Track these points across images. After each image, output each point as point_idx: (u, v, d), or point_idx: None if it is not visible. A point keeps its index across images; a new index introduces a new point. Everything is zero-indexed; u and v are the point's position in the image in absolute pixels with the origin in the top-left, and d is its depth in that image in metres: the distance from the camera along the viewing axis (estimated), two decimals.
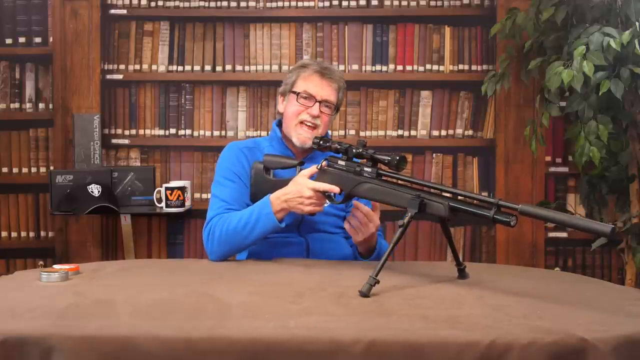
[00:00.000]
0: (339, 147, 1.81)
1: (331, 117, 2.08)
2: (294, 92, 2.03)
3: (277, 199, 1.86)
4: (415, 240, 3.04)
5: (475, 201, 1.57)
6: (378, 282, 1.49)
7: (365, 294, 1.48)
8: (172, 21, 3.05)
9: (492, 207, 1.47)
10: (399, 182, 1.70)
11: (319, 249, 2.02)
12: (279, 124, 2.11)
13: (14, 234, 3.05)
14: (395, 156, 1.68)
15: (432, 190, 1.63)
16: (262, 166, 1.97)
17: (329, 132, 3.01)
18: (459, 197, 1.59)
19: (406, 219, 1.57)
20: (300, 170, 1.91)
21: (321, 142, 1.84)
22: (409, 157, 3.01)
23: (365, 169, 1.74)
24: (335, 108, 2.08)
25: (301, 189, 1.83)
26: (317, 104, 2.01)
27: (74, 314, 1.34)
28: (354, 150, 1.77)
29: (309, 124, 2.01)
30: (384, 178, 1.72)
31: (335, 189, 1.81)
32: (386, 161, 1.70)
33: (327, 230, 2.05)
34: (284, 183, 1.90)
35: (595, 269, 3.01)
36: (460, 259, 1.74)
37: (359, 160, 1.79)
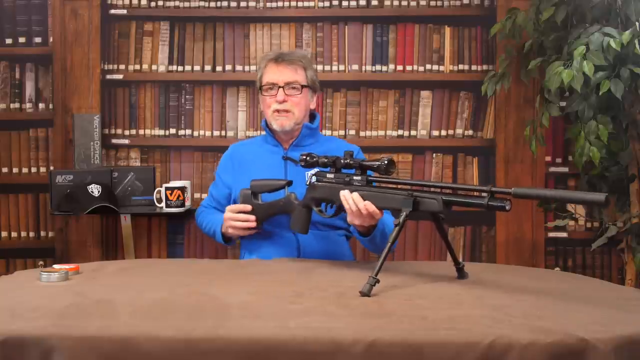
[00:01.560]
0: (326, 160, 1.82)
1: (303, 96, 2.14)
2: (260, 88, 2.16)
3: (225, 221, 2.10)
4: (415, 240, 3.03)
5: (474, 193, 1.58)
6: (378, 281, 1.50)
7: (366, 294, 1.48)
8: (172, 21, 3.05)
9: (486, 195, 1.48)
10: (390, 185, 1.71)
11: (310, 246, 2.03)
12: None
13: (14, 234, 3.05)
14: (383, 160, 1.68)
15: (424, 189, 1.64)
16: (249, 192, 2.04)
17: (325, 131, 3.00)
18: (453, 191, 1.60)
19: (401, 218, 1.58)
20: (287, 190, 1.99)
21: (307, 159, 1.86)
22: (409, 157, 3.01)
23: (355, 177, 1.75)
24: (310, 87, 2.16)
25: (226, 219, 2.07)
26: (281, 89, 2.10)
27: (74, 314, 1.34)
28: (341, 162, 1.79)
29: (281, 111, 2.10)
30: (375, 184, 1.73)
31: (247, 207, 2.01)
32: (375, 166, 1.70)
33: (325, 222, 2.05)
34: (273, 206, 1.99)
35: (595, 269, 3.01)
36: (460, 258, 1.74)
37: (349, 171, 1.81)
